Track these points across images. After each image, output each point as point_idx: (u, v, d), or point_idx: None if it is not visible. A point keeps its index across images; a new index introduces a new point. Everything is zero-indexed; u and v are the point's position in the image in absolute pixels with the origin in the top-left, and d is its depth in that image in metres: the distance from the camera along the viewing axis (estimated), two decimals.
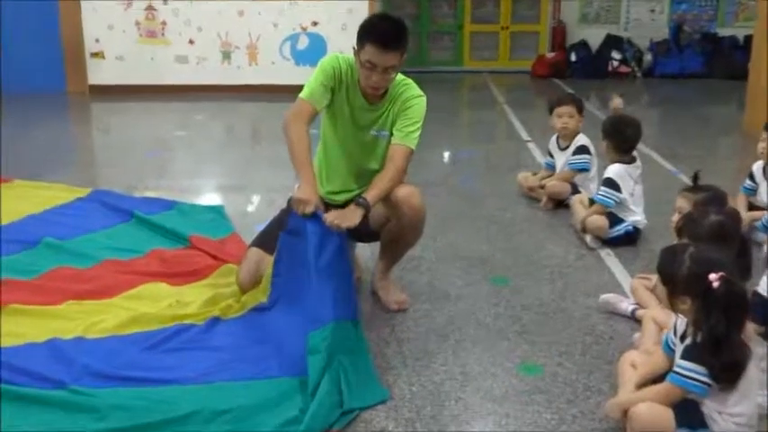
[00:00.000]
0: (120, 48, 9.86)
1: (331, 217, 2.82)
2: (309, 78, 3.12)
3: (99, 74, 9.86)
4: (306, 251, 2.79)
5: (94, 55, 9.86)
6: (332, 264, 2.75)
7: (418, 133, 3.14)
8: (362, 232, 3.16)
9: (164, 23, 9.87)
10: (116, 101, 9.32)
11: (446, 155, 6.68)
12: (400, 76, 3.17)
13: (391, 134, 3.17)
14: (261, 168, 5.92)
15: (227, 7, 9.88)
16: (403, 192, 3.07)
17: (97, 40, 9.83)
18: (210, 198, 5.11)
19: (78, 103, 9.33)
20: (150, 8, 9.85)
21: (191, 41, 9.94)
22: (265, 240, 3.20)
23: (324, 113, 3.23)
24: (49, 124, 7.63)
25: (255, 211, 4.88)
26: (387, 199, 3.06)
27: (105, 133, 7.84)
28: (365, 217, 2.94)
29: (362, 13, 9.58)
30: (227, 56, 10.02)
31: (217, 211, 4.62)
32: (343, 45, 9.62)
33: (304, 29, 9.98)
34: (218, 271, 3.59)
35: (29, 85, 9.57)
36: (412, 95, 3.17)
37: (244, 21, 9.99)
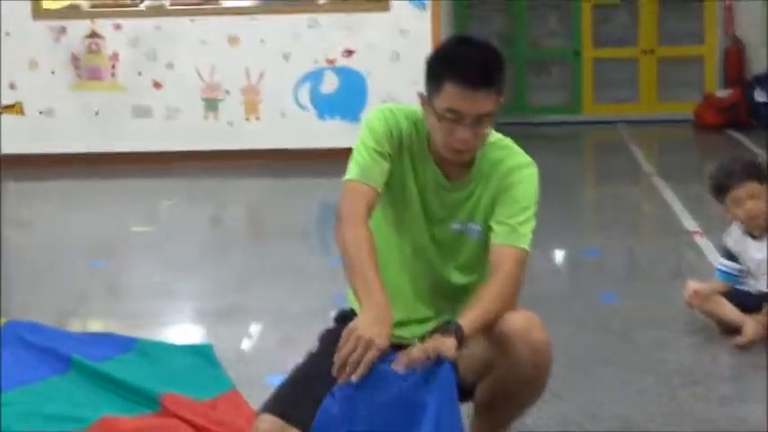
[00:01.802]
0: (48, 97, 10.14)
1: (416, 352, 2.81)
2: (355, 147, 3.21)
3: (14, 137, 10.09)
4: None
5: (8, 108, 10.13)
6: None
7: (531, 226, 3.18)
8: None
9: (114, 57, 10.20)
10: (41, 178, 9.47)
11: (561, 255, 6.66)
12: (495, 135, 3.24)
13: (487, 228, 3.21)
14: (269, 282, 5.93)
15: (212, 30, 10.16)
16: (516, 320, 3.07)
17: (12, 86, 10.12)
18: (191, 332, 5.12)
19: None
20: (94, 35, 10.23)
21: (156, 84, 10.21)
22: (287, 403, 3.12)
23: None
24: None
25: (264, 352, 4.84)
26: (489, 333, 3.07)
27: (24, 229, 7.93)
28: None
29: (423, 32, 9.83)
30: (212, 105, 10.29)
31: (202, 352, 4.62)
32: (393, 87, 9.83)
33: (331, 62, 10.22)
34: None
35: None
36: (516, 165, 3.23)
37: (238, 51, 10.30)
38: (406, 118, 3.21)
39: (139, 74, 10.20)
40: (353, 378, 2.77)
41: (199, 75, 10.20)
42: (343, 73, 10.21)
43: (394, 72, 9.94)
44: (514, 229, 3.14)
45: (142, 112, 10.20)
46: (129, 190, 9.12)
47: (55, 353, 4.39)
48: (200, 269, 6.39)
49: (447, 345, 2.83)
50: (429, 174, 3.21)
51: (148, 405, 3.95)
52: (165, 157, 10.01)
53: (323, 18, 10.15)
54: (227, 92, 10.24)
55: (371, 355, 2.78)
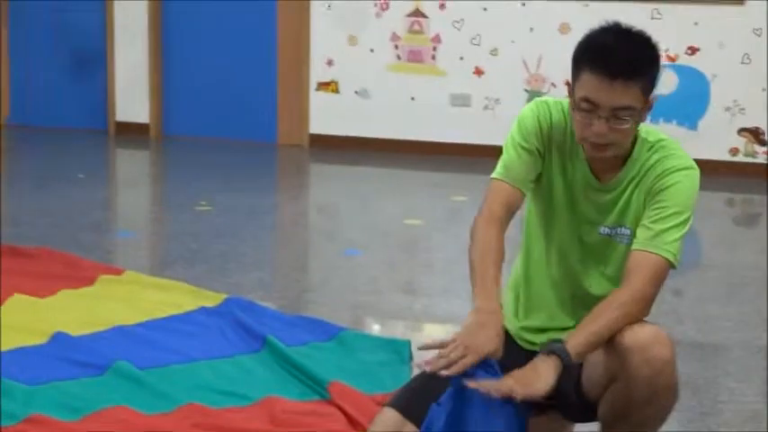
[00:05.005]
0: (364, 76, 10.79)
1: (505, 386, 2.98)
2: (505, 142, 3.43)
3: (327, 117, 10.88)
4: None
5: (323, 86, 10.90)
6: None
7: (681, 234, 3.24)
8: (566, 401, 3.29)
9: (437, 40, 10.67)
10: (349, 161, 10.23)
11: None
12: (656, 135, 3.36)
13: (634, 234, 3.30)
14: None
15: (542, 15, 10.37)
16: (638, 334, 3.11)
17: (330, 63, 10.87)
18: (406, 328, 5.45)
19: (290, 161, 10.48)
20: (418, 13, 10.70)
21: (477, 72, 10.62)
22: (408, 398, 3.35)
23: (528, 197, 3.47)
24: (230, 192, 8.72)
25: None
26: (611, 344, 3.13)
27: (320, 212, 8.73)
28: (569, 377, 3.11)
29: None
30: (536, 98, 10.42)
31: (397, 348, 4.97)
32: (740, 93, 9.85)
33: (672, 59, 10.10)
34: None
35: (223, 127, 11.11)
36: (673, 167, 3.29)
37: (568, 40, 10.12)
38: (561, 111, 3.36)
39: (461, 59, 10.58)
40: (443, 373, 2.96)
41: (524, 64, 10.46)
42: (685, 73, 10.12)
43: (742, 76, 9.92)
44: (658, 235, 3.20)
45: (460, 100, 10.61)
46: (420, 182, 9.58)
47: (254, 332, 4.97)
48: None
49: (544, 371, 3.01)
50: (579, 172, 3.36)
51: (315, 392, 4.38)
52: (479, 149, 10.25)
53: (667, 8, 10.04)
54: (553, 85, 10.32)
55: (468, 360, 2.97)
